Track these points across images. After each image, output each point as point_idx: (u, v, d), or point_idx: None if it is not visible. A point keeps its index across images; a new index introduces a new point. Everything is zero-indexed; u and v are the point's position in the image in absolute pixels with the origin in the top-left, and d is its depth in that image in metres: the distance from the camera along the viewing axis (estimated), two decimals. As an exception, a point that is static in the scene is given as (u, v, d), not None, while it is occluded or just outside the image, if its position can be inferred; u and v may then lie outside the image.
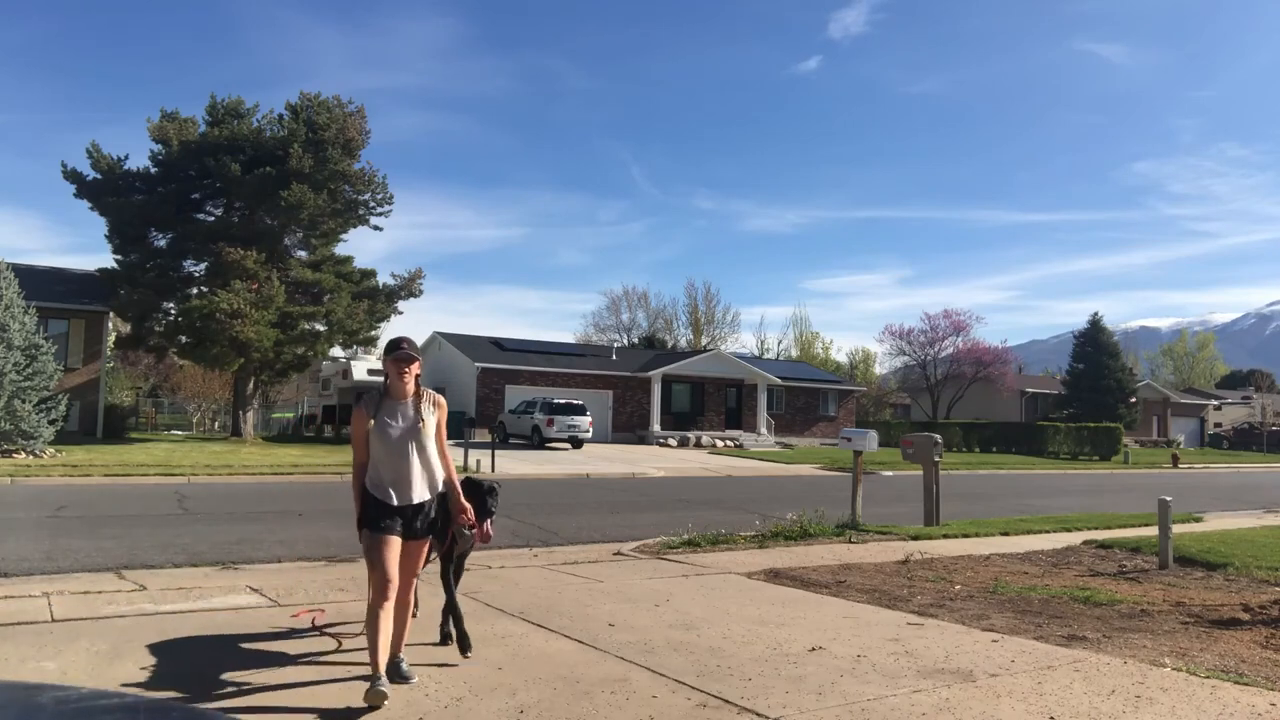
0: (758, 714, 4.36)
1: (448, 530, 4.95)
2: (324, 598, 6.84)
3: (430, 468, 4.64)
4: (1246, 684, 4.99)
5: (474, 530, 5.05)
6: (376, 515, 4.53)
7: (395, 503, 4.53)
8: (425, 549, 4.77)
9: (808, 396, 46.65)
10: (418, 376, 4.72)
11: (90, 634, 5.51)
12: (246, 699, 4.41)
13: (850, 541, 10.72)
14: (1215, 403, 70.04)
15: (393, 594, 4.42)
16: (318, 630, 5.49)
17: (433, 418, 4.65)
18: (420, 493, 4.60)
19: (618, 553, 9.64)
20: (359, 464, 4.64)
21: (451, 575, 5.30)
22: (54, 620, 5.86)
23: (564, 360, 40.10)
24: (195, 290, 29.70)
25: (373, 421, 4.55)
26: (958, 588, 7.94)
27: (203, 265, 30.36)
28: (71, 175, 29.46)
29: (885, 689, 4.77)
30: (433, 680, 4.76)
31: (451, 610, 5.26)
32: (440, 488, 4.73)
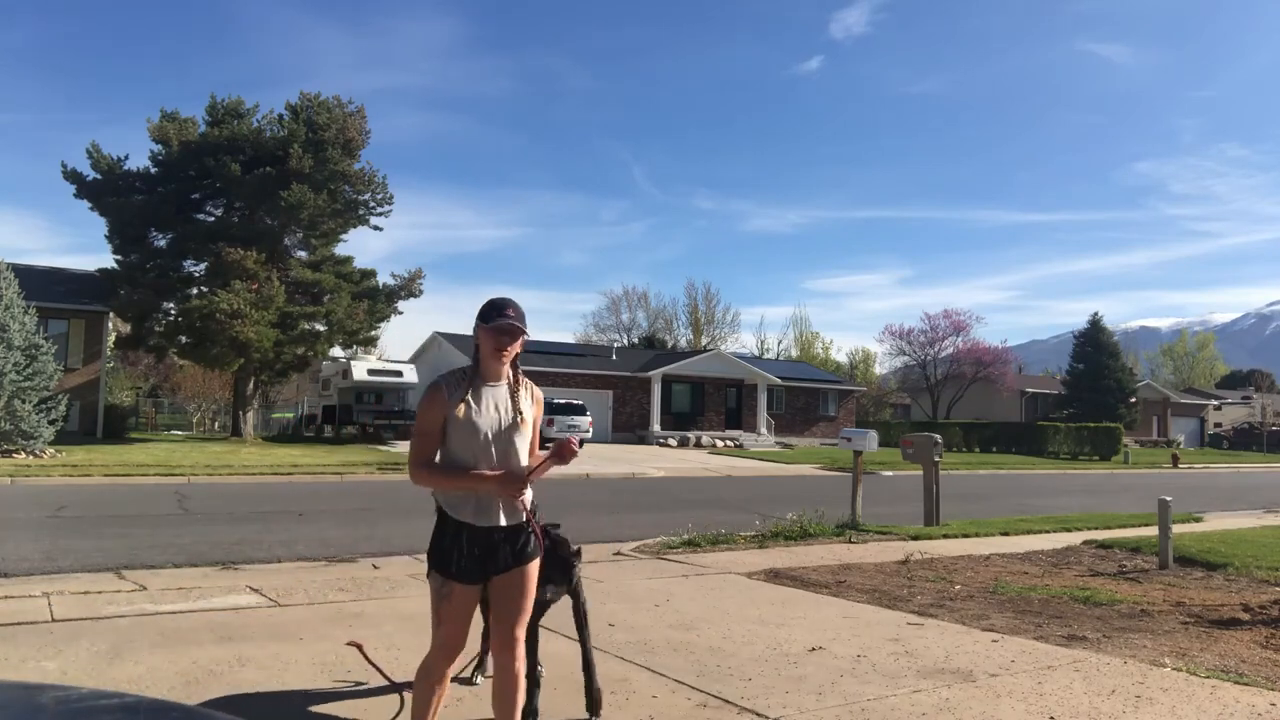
0: (758, 714, 4.36)
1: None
2: (324, 598, 6.84)
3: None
4: (1246, 684, 4.99)
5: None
6: (450, 550, 3.35)
7: (476, 523, 3.34)
8: (529, 584, 3.47)
9: (808, 396, 46.66)
10: (516, 357, 3.50)
11: (90, 634, 5.51)
12: (248, 699, 4.41)
13: (850, 541, 10.72)
14: (1215, 403, 70.07)
15: (455, 657, 3.43)
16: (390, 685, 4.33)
17: (531, 413, 3.50)
18: (513, 512, 3.42)
19: (617, 553, 9.64)
20: (423, 460, 3.38)
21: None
22: (54, 620, 5.86)
23: (564, 360, 40.11)
24: (195, 290, 29.69)
25: (462, 408, 3.34)
26: (958, 588, 7.94)
27: (203, 265, 30.36)
28: (71, 175, 29.46)
29: (885, 689, 4.77)
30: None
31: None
32: (531, 502, 3.51)
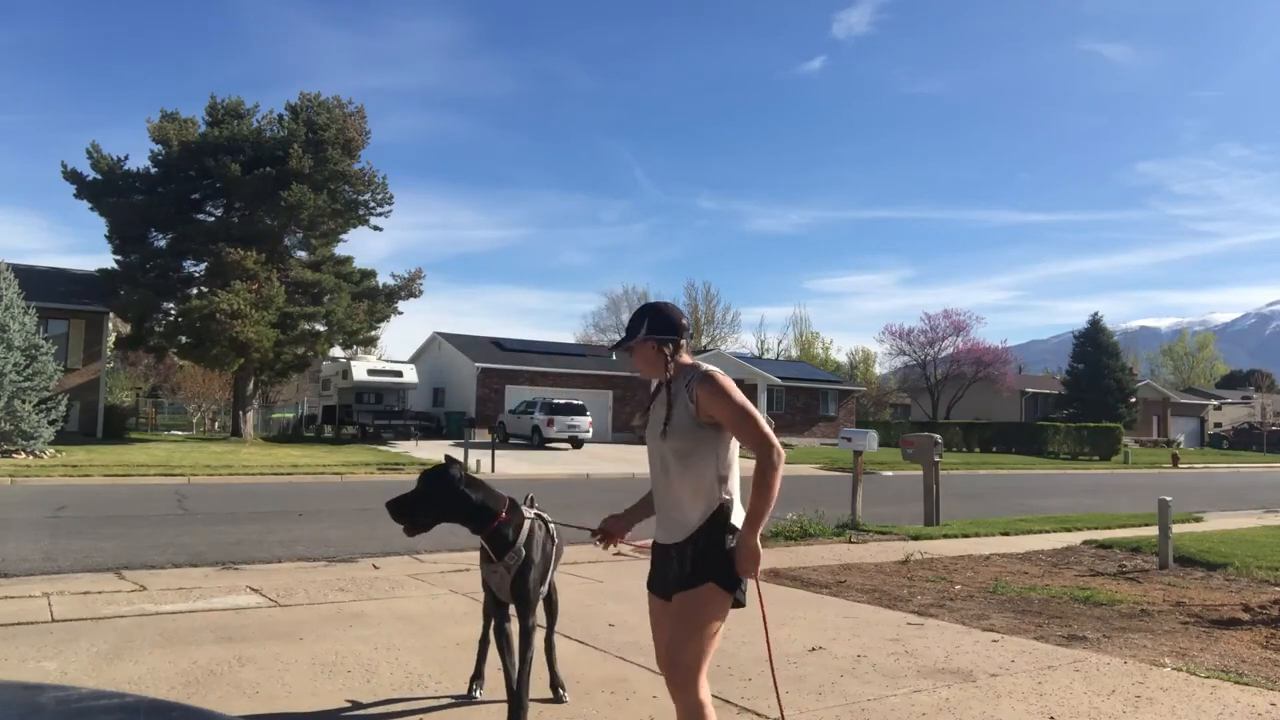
0: (758, 714, 4.36)
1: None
2: (324, 598, 6.84)
3: (678, 491, 2.99)
4: (1246, 684, 4.99)
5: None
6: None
7: (660, 541, 3.10)
8: (687, 609, 2.97)
9: (808, 396, 46.65)
10: (669, 352, 3.04)
11: (90, 634, 5.51)
12: (248, 699, 4.40)
13: (850, 541, 10.72)
14: (1215, 403, 70.03)
15: (664, 671, 3.07)
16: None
17: (686, 409, 2.96)
18: (667, 530, 3.05)
19: (618, 553, 9.62)
20: None
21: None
22: (54, 620, 5.86)
23: (564, 360, 40.11)
24: (195, 290, 29.71)
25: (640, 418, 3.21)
26: (958, 588, 7.94)
27: (203, 265, 30.39)
28: (71, 175, 29.47)
29: (885, 689, 4.77)
30: (433, 680, 4.77)
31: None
32: (700, 520, 2.96)
